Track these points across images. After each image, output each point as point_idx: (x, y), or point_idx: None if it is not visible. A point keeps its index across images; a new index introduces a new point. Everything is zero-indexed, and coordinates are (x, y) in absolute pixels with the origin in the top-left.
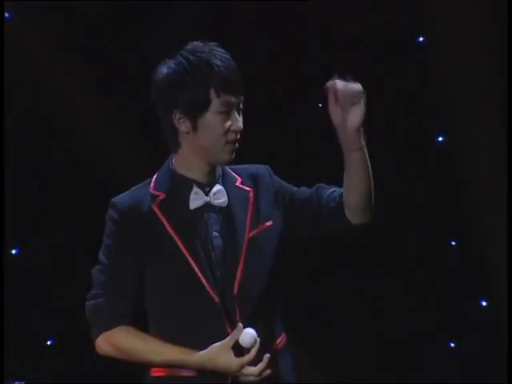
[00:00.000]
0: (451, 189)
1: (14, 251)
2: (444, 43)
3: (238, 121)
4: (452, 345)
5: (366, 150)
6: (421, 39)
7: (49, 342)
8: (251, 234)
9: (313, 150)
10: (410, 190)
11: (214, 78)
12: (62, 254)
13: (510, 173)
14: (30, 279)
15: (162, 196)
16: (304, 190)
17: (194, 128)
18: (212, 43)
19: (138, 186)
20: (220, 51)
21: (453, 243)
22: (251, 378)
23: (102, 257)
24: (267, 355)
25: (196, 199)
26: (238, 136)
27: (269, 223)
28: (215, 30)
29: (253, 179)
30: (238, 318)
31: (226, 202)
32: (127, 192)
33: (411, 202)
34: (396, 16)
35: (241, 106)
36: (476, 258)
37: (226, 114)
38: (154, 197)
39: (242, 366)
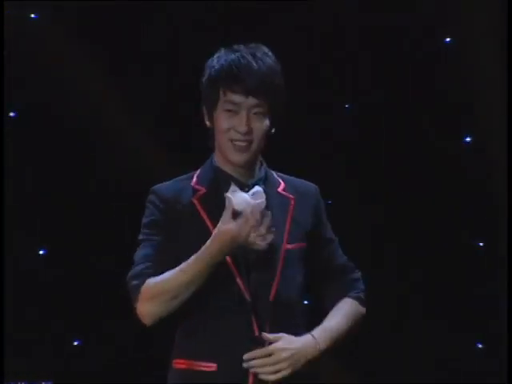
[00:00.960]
0: (479, 189)
1: (41, 252)
2: (471, 43)
3: (242, 122)
4: (480, 346)
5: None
6: (448, 39)
7: (76, 343)
8: (289, 247)
9: (342, 151)
10: (438, 190)
11: (223, 77)
12: (88, 254)
13: (510, 172)
14: (58, 279)
15: (202, 190)
16: (332, 248)
17: (212, 124)
18: (255, 45)
19: (180, 177)
20: (249, 53)
21: (481, 244)
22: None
23: (142, 236)
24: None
25: None
26: (245, 137)
27: (303, 244)
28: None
29: (296, 190)
30: (267, 323)
31: (264, 204)
32: (168, 182)
33: (439, 201)
34: (423, 16)
35: (259, 109)
36: (502, 259)
37: (234, 113)
38: (195, 190)
39: (247, 230)
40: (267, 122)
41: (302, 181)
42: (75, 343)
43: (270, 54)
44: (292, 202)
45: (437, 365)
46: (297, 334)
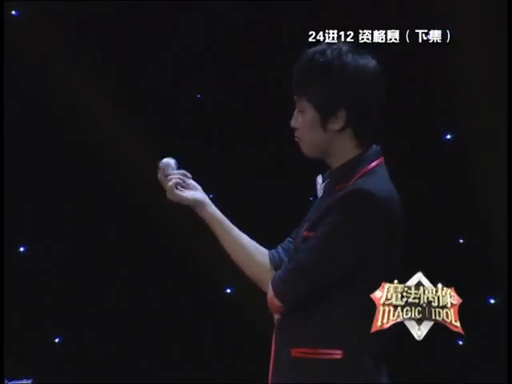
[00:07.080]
0: (459, 186)
1: (21, 249)
2: (456, 42)
3: (292, 119)
4: (460, 343)
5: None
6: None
7: (57, 340)
8: (305, 233)
9: None
10: (418, 188)
11: None
12: (69, 252)
13: (509, 172)
14: (38, 276)
15: None
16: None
17: None
18: (324, 43)
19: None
20: (307, 50)
21: (461, 241)
22: None
23: None
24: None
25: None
26: (295, 133)
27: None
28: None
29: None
30: None
31: (319, 195)
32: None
33: (419, 200)
34: (408, 15)
35: (298, 106)
36: (484, 255)
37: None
38: None
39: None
40: (307, 119)
41: (356, 187)
42: (56, 340)
43: (323, 50)
44: (329, 202)
45: (436, 364)
46: (297, 322)
